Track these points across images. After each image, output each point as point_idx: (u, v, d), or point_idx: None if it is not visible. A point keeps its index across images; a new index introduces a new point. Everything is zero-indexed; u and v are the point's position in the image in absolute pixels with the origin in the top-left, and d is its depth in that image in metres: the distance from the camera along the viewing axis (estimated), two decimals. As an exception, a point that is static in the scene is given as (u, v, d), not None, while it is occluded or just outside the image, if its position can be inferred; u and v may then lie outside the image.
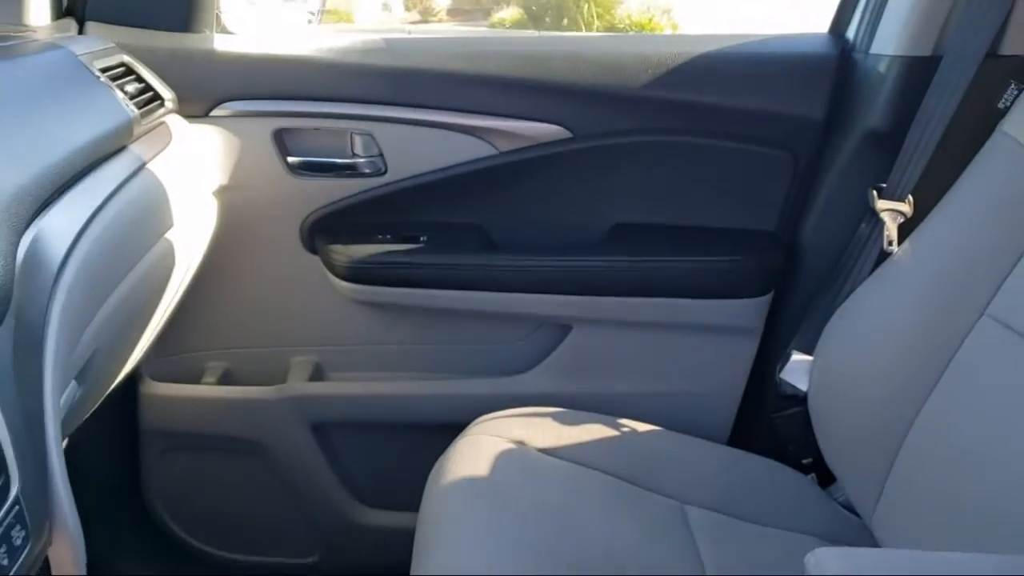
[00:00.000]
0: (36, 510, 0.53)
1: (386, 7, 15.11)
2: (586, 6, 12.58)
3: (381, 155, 1.21)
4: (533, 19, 12.76)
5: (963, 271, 0.95)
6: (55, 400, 0.60)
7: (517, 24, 12.82)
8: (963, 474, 0.86)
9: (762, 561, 0.97)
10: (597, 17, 12.50)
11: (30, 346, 0.59)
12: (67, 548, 0.56)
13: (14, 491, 0.51)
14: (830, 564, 0.61)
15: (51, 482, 0.57)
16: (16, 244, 0.61)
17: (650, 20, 11.93)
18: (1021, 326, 0.87)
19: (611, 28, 12.05)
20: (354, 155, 1.22)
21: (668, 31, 11.69)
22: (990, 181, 0.96)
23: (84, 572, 0.58)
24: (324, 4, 1.50)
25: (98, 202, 0.79)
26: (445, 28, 13.22)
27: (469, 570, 0.86)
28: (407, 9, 14.76)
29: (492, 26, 12.88)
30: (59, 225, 0.70)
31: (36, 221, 0.67)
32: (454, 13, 14.52)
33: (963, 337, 0.93)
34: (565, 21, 12.61)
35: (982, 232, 0.95)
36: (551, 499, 0.99)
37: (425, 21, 13.97)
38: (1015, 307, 0.89)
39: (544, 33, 1.86)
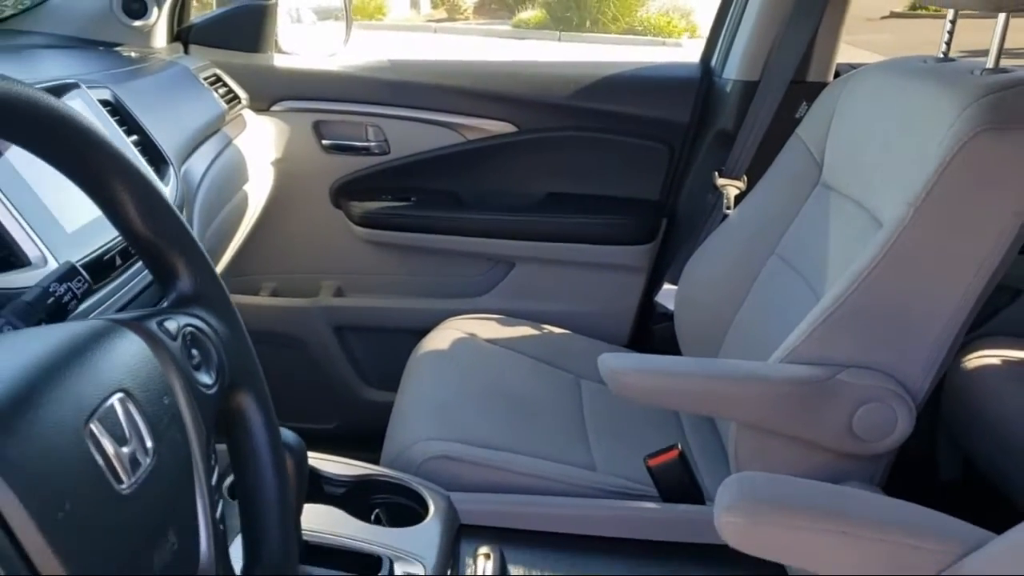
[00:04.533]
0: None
1: (414, 4, 15.47)
2: (607, 8, 12.94)
3: (386, 140, 1.75)
4: (555, 20, 13.14)
5: (765, 225, 1.44)
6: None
7: (540, 24, 13.19)
8: (755, 349, 1.35)
9: (622, 410, 1.46)
10: (615, 19, 12.87)
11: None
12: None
13: None
14: (612, 359, 1.12)
15: None
16: (179, 173, 1.14)
17: (668, 23, 12.31)
18: (791, 260, 1.37)
19: (630, 30, 12.43)
20: (367, 140, 1.76)
21: (686, 34, 12.02)
22: (786, 166, 1.45)
23: None
24: (350, 27, 2.01)
25: (210, 159, 1.34)
26: (469, 27, 13.61)
27: (428, 397, 1.38)
28: (434, 7, 15.14)
29: (515, 25, 13.28)
30: (194, 168, 1.25)
31: (184, 164, 1.20)
32: (480, 11, 14.89)
33: (760, 268, 1.43)
34: (588, 23, 12.99)
35: (778, 199, 1.44)
36: (487, 366, 1.50)
37: (451, 19, 14.37)
38: (789, 248, 1.39)
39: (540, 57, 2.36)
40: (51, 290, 0.64)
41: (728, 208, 1.60)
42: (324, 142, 1.75)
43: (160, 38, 1.62)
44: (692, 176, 1.73)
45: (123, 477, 0.47)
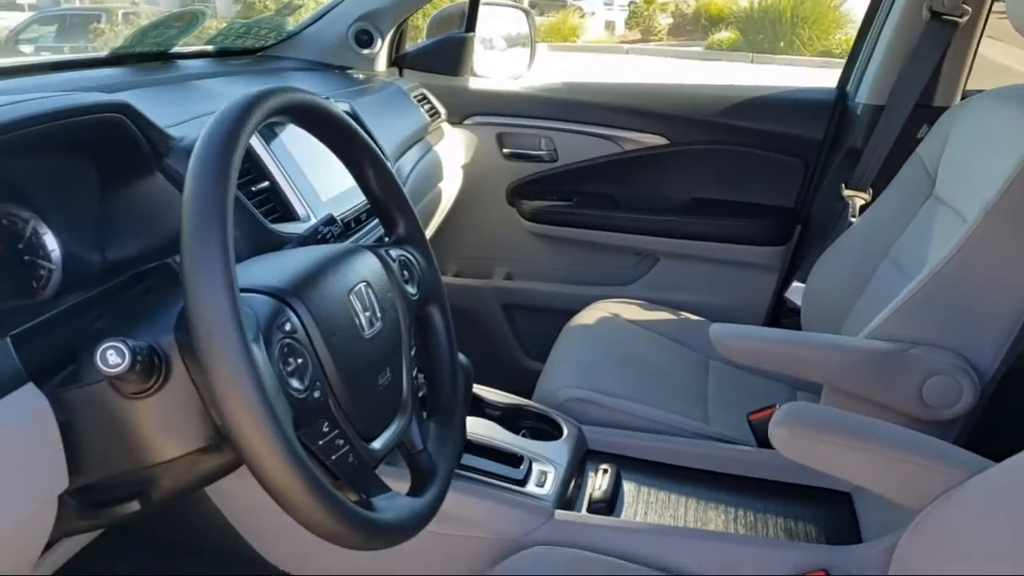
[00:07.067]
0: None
1: (609, 26, 15.77)
2: (802, 30, 12.72)
3: (555, 150, 2.08)
4: (749, 42, 13.09)
5: (882, 233, 1.63)
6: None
7: (733, 46, 13.19)
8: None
9: (743, 388, 1.69)
10: (811, 42, 12.63)
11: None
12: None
13: None
14: (720, 327, 1.38)
15: None
16: (393, 168, 1.51)
17: (868, 45, 11.95)
18: (900, 262, 1.56)
19: (827, 52, 12.17)
20: (540, 149, 2.10)
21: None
22: (905, 181, 1.63)
23: None
24: (534, 53, 2.34)
25: (415, 160, 1.71)
26: (662, 48, 13.77)
27: (574, 357, 1.67)
28: (629, 28, 15.41)
29: (709, 46, 13.35)
30: (404, 166, 1.62)
31: (397, 162, 1.58)
32: (674, 33, 15.02)
33: (875, 268, 1.62)
34: (781, 44, 12.84)
35: (894, 210, 1.63)
36: (626, 339, 1.77)
37: (645, 41, 14.60)
38: (899, 252, 1.58)
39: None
40: (319, 230, 1.00)
41: (853, 216, 1.80)
42: (504, 150, 2.11)
43: (381, 63, 2.03)
44: (825, 187, 1.93)
45: (365, 328, 0.81)
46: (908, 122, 1.75)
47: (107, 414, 0.71)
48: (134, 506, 0.77)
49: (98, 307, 0.85)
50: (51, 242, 0.92)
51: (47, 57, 3.69)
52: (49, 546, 0.82)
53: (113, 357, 0.64)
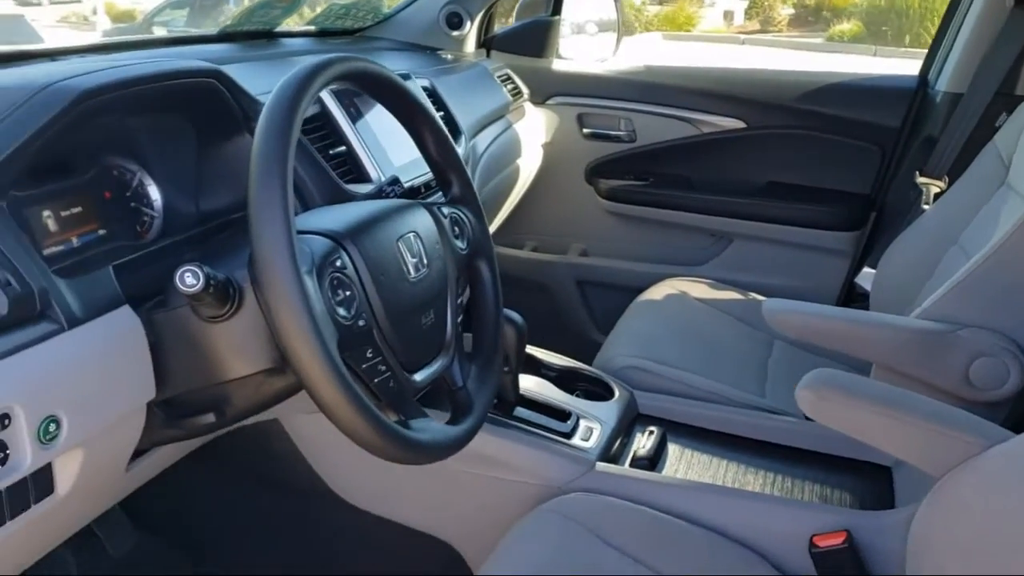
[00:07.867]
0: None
1: (727, 16, 15.40)
2: (931, 23, 12.15)
3: (634, 130, 2.14)
4: (872, 33, 12.58)
5: (955, 220, 1.63)
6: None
7: (855, 37, 12.71)
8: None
9: (807, 367, 1.70)
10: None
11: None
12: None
13: None
14: (772, 302, 1.42)
15: None
16: (469, 143, 1.61)
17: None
18: (967, 249, 1.56)
19: (955, 44, 11.59)
20: (619, 130, 2.16)
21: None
22: (980, 170, 1.62)
23: None
24: (620, 38, 2.39)
25: (493, 137, 1.80)
26: (779, 39, 13.40)
27: (637, 329, 1.74)
28: (748, 19, 15.01)
29: (830, 38, 12.91)
30: (480, 142, 1.72)
31: (473, 138, 1.68)
32: (795, 24, 14.56)
33: (944, 253, 1.63)
34: (907, 39, 12.29)
35: (966, 198, 1.62)
36: (691, 315, 1.81)
37: (764, 31, 14.22)
38: (967, 240, 1.58)
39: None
40: (383, 189, 1.11)
41: (927, 204, 1.79)
42: (584, 130, 2.18)
43: (470, 45, 2.13)
44: (901, 175, 1.93)
45: (412, 272, 0.91)
46: (987, 111, 1.73)
47: (188, 335, 0.84)
48: (210, 418, 0.90)
49: (189, 247, 0.98)
50: (154, 192, 1.06)
51: (165, 35, 3.96)
52: (140, 454, 0.96)
53: (189, 278, 0.76)
